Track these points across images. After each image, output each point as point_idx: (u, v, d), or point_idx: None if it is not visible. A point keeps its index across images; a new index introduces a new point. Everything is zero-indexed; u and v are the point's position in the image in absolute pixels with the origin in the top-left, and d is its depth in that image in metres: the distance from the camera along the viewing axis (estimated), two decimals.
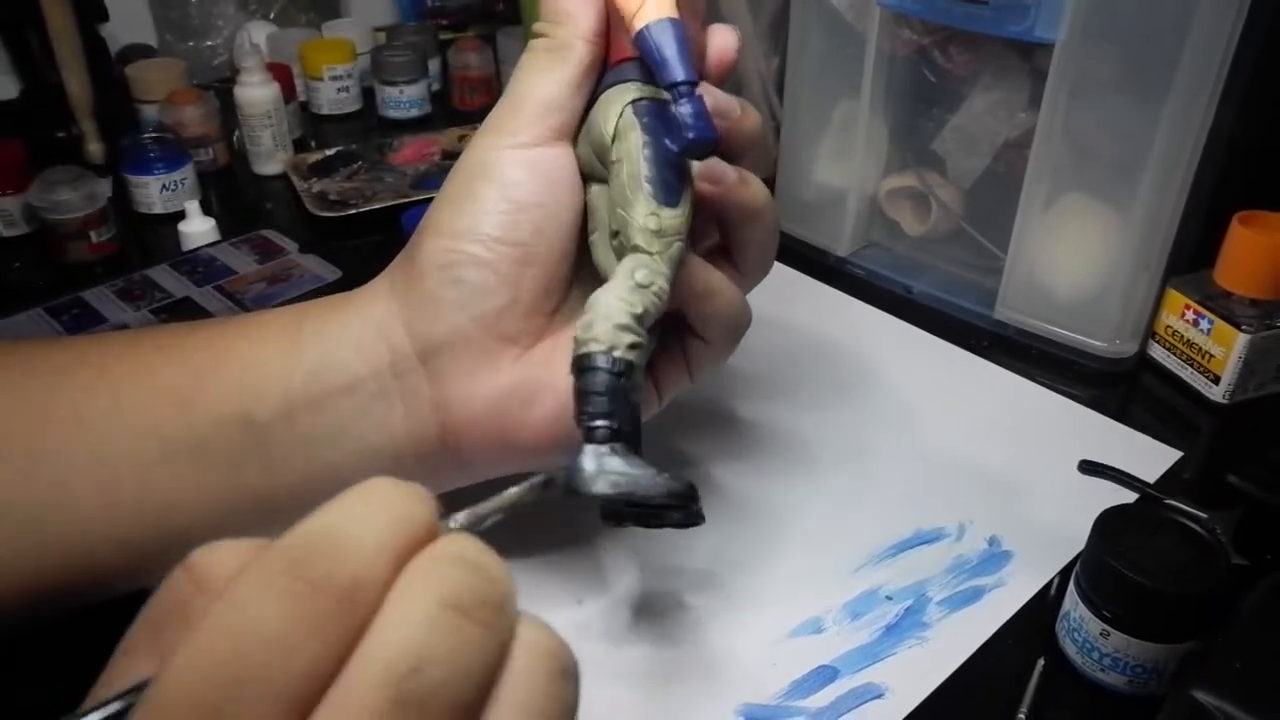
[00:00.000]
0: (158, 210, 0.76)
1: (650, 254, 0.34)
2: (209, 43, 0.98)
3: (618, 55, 0.38)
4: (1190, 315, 0.56)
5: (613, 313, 0.32)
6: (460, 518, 0.24)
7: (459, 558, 0.21)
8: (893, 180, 0.67)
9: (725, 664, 0.40)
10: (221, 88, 0.88)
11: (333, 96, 0.94)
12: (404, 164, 0.82)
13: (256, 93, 0.81)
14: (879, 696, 0.39)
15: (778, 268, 0.69)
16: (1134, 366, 0.60)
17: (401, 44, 0.95)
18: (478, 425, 0.38)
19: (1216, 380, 0.55)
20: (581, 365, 0.32)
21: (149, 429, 0.37)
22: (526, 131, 0.37)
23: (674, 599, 0.43)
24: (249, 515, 0.39)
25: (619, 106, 0.36)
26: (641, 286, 0.33)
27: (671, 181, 0.35)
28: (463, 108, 0.96)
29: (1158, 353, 0.59)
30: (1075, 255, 0.59)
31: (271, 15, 1.01)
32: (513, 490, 0.26)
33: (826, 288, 0.67)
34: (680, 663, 0.40)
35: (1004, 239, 0.60)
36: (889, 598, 0.43)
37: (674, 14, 0.34)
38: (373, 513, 0.21)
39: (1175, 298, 0.57)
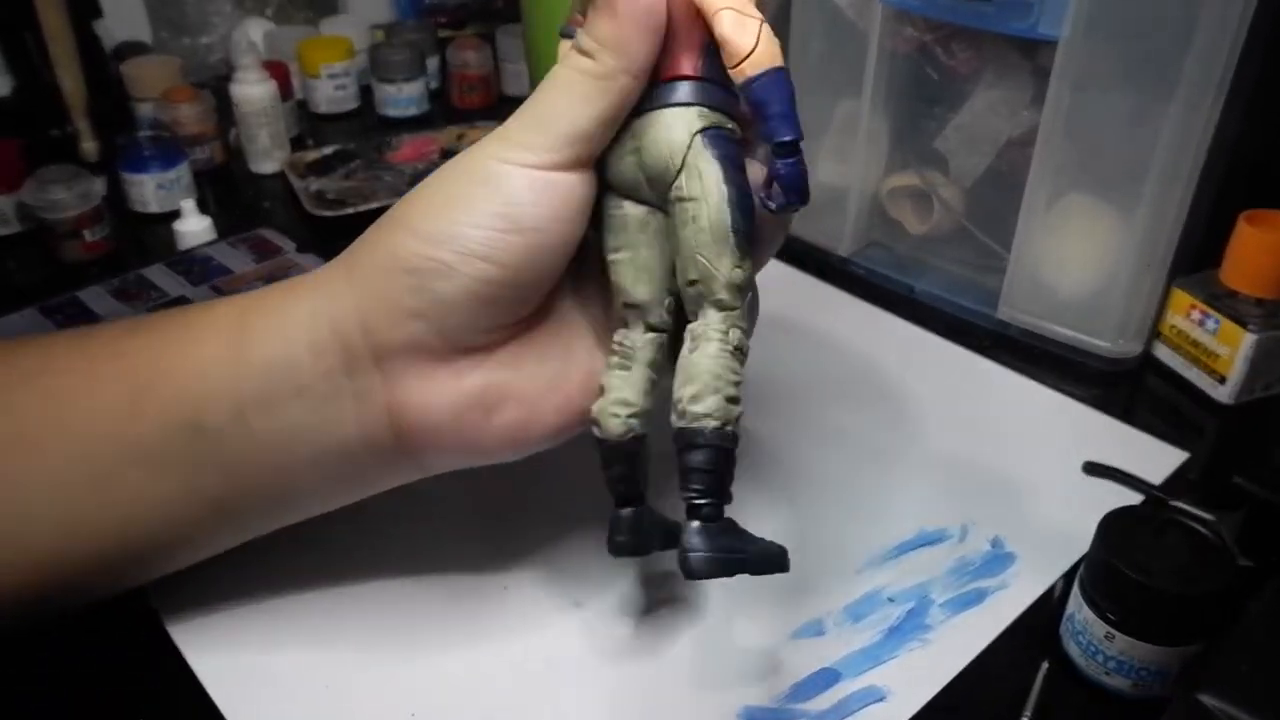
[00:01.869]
0: (153, 209, 0.75)
1: (735, 309, 0.33)
2: (205, 40, 0.98)
3: (673, 71, 0.34)
4: (1196, 315, 0.55)
5: (721, 384, 0.32)
6: None
7: None
8: (894, 179, 0.66)
9: (726, 666, 0.40)
10: (218, 85, 0.88)
11: (330, 95, 0.93)
12: (402, 163, 0.82)
13: (253, 91, 0.80)
14: (881, 699, 0.39)
15: (780, 267, 0.69)
16: (1138, 366, 0.59)
17: (400, 42, 0.95)
18: (436, 433, 0.36)
19: (1222, 380, 0.55)
20: (693, 441, 0.32)
21: (98, 443, 0.36)
22: (547, 154, 0.33)
23: (674, 601, 0.43)
24: (210, 519, 0.38)
25: (685, 134, 0.33)
26: (738, 350, 0.33)
27: (751, 232, 0.33)
28: (461, 106, 0.96)
29: (1163, 353, 0.58)
30: (1079, 254, 0.58)
31: (268, 12, 1.01)
32: None
33: (829, 287, 0.67)
34: (681, 665, 0.40)
35: (1006, 238, 0.60)
36: (891, 600, 0.43)
37: (783, 62, 0.32)
38: None
39: (1180, 297, 0.56)
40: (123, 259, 0.71)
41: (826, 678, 0.40)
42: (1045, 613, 0.43)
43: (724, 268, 0.33)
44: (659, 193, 0.34)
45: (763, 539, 0.33)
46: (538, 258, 0.34)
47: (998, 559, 0.45)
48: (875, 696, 0.39)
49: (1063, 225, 0.58)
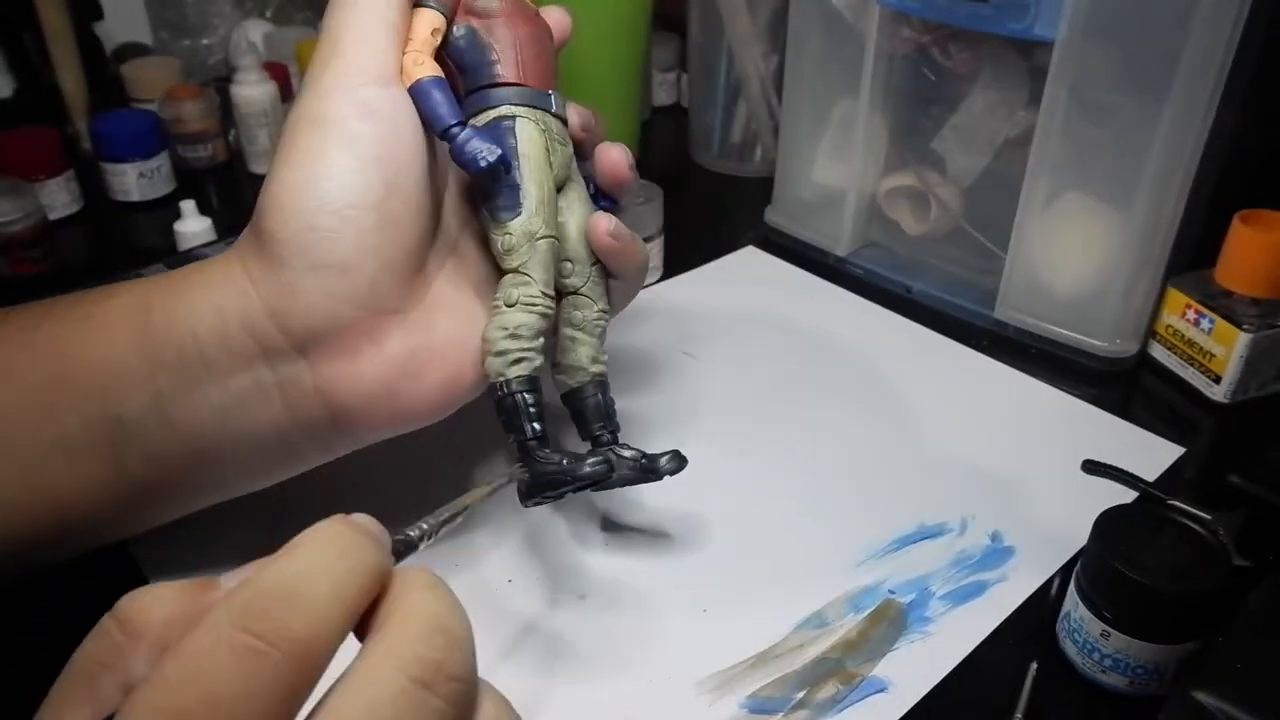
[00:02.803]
0: (135, 198, 0.76)
1: (511, 269, 0.37)
2: (205, 41, 0.98)
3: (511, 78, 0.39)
4: (1191, 314, 0.56)
5: (491, 344, 0.37)
6: (414, 531, 0.26)
7: (431, 626, 0.22)
8: (892, 179, 0.67)
9: (730, 657, 0.40)
10: (218, 87, 0.88)
11: None
12: None
13: (253, 91, 0.80)
14: (883, 690, 0.39)
15: (781, 266, 0.69)
16: (1134, 366, 0.59)
17: None
18: (369, 403, 0.37)
19: (1218, 380, 0.55)
20: (492, 397, 0.37)
21: (20, 433, 0.36)
22: (360, 73, 0.36)
23: (678, 593, 0.43)
24: (140, 503, 0.38)
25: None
26: (509, 306, 0.37)
27: (506, 197, 0.37)
28: None
29: (1158, 352, 0.59)
30: (1075, 254, 0.58)
31: (268, 14, 1.01)
32: (464, 498, 0.28)
33: (830, 285, 0.67)
34: (685, 656, 0.40)
35: (1003, 238, 0.60)
36: (892, 592, 0.43)
37: (431, 73, 0.37)
38: (329, 562, 0.21)
39: (1176, 297, 0.57)
40: (114, 254, 0.72)
41: (829, 668, 0.40)
42: (1043, 609, 0.43)
43: (492, 243, 0.38)
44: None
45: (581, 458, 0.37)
46: (397, 184, 0.36)
47: (997, 552, 0.45)
48: (877, 687, 0.39)
49: (1059, 225, 0.58)
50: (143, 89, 0.85)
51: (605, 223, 0.39)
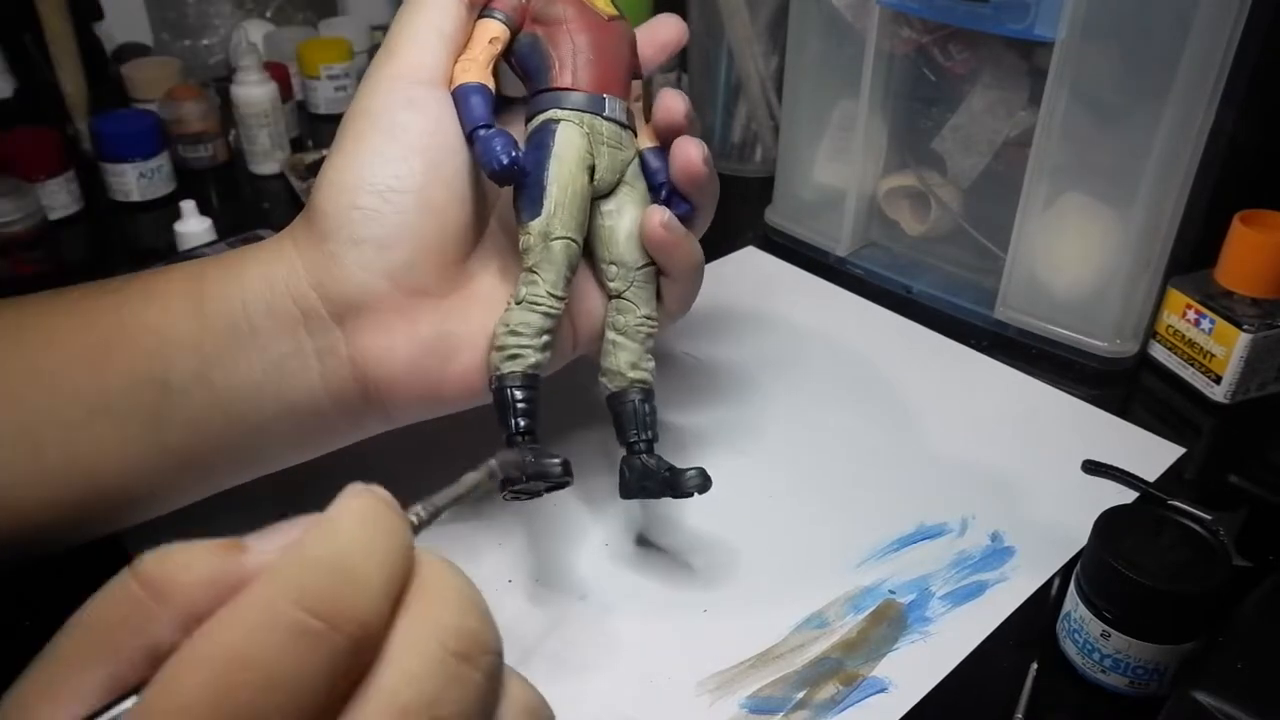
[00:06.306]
0: (135, 198, 0.76)
1: (526, 268, 0.38)
2: (205, 42, 0.98)
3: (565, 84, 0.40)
4: (1191, 315, 0.56)
5: (493, 339, 0.38)
6: (419, 511, 0.24)
7: (465, 600, 0.21)
8: (892, 180, 0.67)
9: (729, 657, 0.40)
10: (218, 87, 0.88)
11: (330, 96, 0.93)
12: None
13: (254, 92, 0.80)
14: (883, 690, 0.39)
15: (781, 266, 0.69)
16: (1134, 366, 0.59)
17: None
18: (400, 380, 0.38)
19: (1218, 380, 0.55)
20: (490, 389, 0.38)
21: (66, 393, 0.37)
22: (410, 73, 0.38)
23: (677, 594, 0.43)
24: (177, 471, 0.39)
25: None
26: (517, 304, 0.38)
27: (530, 199, 0.38)
28: None
29: (1159, 352, 0.59)
30: (1075, 254, 0.59)
31: (268, 14, 1.01)
32: (465, 479, 0.27)
33: (830, 285, 0.67)
34: (684, 656, 0.40)
35: (1004, 238, 0.60)
36: (892, 592, 0.43)
37: (473, 79, 0.39)
38: (375, 540, 0.20)
39: (1176, 297, 0.57)
40: (114, 254, 0.72)
41: (829, 668, 0.40)
42: (1043, 609, 0.43)
43: (520, 240, 0.39)
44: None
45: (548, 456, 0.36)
46: (438, 172, 0.38)
47: (997, 553, 0.45)
48: (877, 687, 0.39)
49: (1059, 225, 0.58)
50: (143, 89, 0.85)
51: (659, 214, 0.40)
